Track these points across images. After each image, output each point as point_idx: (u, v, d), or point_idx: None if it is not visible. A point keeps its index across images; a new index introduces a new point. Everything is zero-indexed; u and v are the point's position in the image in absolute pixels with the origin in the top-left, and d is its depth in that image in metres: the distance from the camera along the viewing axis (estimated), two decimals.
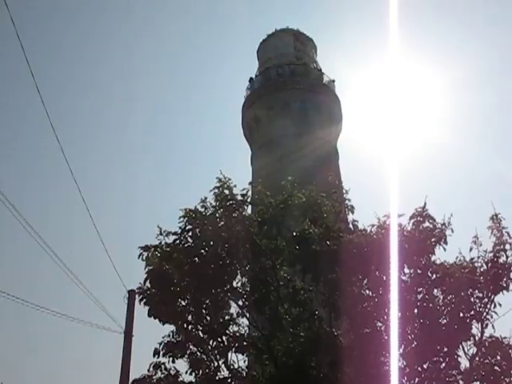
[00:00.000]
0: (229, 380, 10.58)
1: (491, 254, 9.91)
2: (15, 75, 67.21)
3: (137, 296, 11.22)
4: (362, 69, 64.27)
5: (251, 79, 35.06)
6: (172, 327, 10.87)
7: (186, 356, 10.79)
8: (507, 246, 9.84)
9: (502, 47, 65.34)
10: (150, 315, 10.67)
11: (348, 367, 9.50)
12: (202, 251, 10.24)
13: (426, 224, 9.92)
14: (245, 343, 10.63)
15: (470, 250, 10.07)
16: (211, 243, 10.10)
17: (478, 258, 10.02)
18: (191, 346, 10.85)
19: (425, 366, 9.50)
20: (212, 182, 10.64)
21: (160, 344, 10.74)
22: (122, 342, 16.10)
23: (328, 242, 9.82)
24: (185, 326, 10.85)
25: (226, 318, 10.92)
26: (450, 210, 10.19)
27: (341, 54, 69.05)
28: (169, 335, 10.88)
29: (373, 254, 9.55)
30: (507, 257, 9.77)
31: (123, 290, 16.30)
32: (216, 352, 10.83)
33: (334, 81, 35.03)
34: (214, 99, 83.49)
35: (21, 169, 70.22)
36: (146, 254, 10.38)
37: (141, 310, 11.23)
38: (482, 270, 9.92)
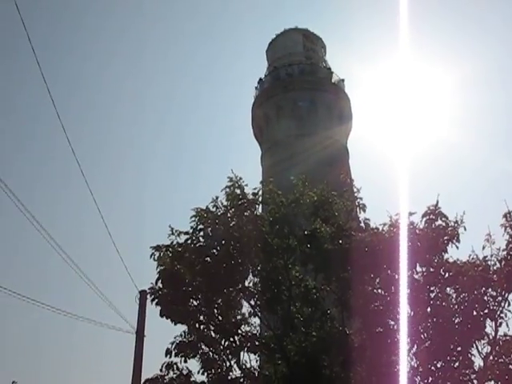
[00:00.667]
0: (241, 380, 10.57)
1: (504, 252, 9.83)
2: (25, 73, 67.49)
3: (148, 296, 11.22)
4: (371, 67, 63.74)
5: (260, 80, 35.06)
6: (184, 327, 10.88)
7: (198, 356, 10.79)
8: None
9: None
10: (161, 315, 10.68)
11: (360, 366, 9.47)
12: (214, 251, 10.23)
13: (439, 222, 9.86)
14: (257, 343, 10.61)
15: (483, 248, 10.00)
16: (223, 242, 10.08)
17: (491, 256, 9.95)
18: (203, 346, 10.85)
19: (438, 365, 9.43)
20: (222, 182, 10.63)
21: (172, 344, 10.75)
22: (133, 342, 16.17)
23: (340, 241, 9.77)
24: (197, 325, 10.85)
25: (238, 317, 10.91)
26: (461, 208, 10.13)
27: (350, 52, 68.70)
28: (181, 335, 10.89)
29: (385, 253, 9.50)
30: None
31: (135, 291, 16.35)
32: (228, 352, 10.82)
33: (343, 80, 34.95)
34: (224, 98, 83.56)
35: (31, 168, 70.68)
36: (157, 253, 10.39)
37: (152, 310, 11.26)
38: (495, 268, 9.84)
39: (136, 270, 16.21)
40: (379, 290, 10.08)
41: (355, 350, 9.46)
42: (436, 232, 9.74)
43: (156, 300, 10.70)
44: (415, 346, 9.41)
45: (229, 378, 10.70)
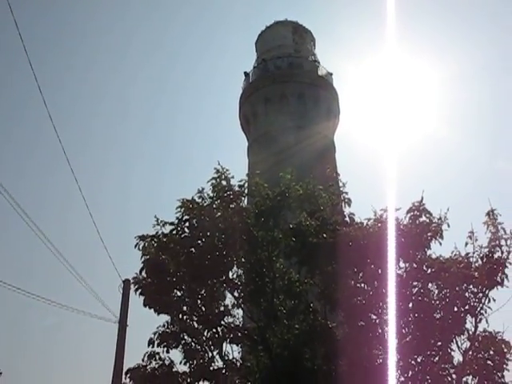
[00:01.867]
0: (223, 371, 10.61)
1: (486, 250, 9.94)
2: (14, 65, 66.77)
3: (132, 286, 11.20)
4: (359, 62, 64.29)
5: (246, 73, 34.86)
6: (166, 317, 10.89)
7: (181, 346, 10.81)
8: (502, 242, 9.87)
9: (500, 43, 65.43)
10: (145, 305, 10.67)
11: (342, 360, 9.54)
12: (199, 242, 10.23)
13: (423, 218, 9.94)
14: (239, 334, 10.65)
15: (466, 244, 10.09)
16: (208, 234, 10.08)
17: (474, 253, 10.06)
18: (186, 337, 10.87)
19: (418, 360, 9.54)
20: (208, 174, 10.62)
21: (154, 334, 10.77)
22: (116, 332, 16.17)
23: (325, 235, 9.80)
24: (180, 316, 10.86)
25: (221, 309, 10.93)
26: (446, 204, 10.23)
27: (338, 47, 68.95)
28: (163, 325, 10.90)
29: (369, 248, 9.56)
30: (502, 252, 9.79)
31: (118, 280, 16.34)
32: (210, 343, 10.86)
33: (331, 74, 34.95)
34: (211, 91, 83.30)
35: (18, 159, 70.02)
36: (142, 243, 10.37)
37: (135, 300, 11.25)
38: (477, 265, 9.95)
39: (120, 259, 16.20)
40: (362, 285, 10.15)
41: (337, 343, 9.52)
42: (420, 228, 9.82)
43: (140, 290, 10.69)
44: (397, 341, 9.48)
45: (211, 368, 10.75)
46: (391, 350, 9.23)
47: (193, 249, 10.16)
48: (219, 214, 10.25)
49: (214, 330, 10.69)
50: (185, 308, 10.83)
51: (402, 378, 9.43)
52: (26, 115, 71.05)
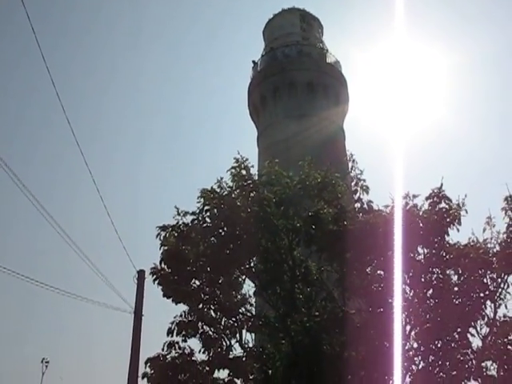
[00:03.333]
0: (243, 358, 10.67)
1: (505, 235, 9.93)
2: (21, 41, 66.68)
3: (150, 276, 11.26)
4: (367, 49, 63.91)
5: (254, 62, 34.73)
6: (183, 307, 10.94)
7: (198, 335, 10.87)
8: None
9: (509, 31, 64.71)
10: (164, 295, 10.73)
11: (361, 346, 9.58)
12: (220, 231, 10.26)
13: (443, 204, 9.92)
14: (259, 323, 10.70)
15: (484, 230, 10.12)
16: (229, 223, 10.09)
17: (491, 239, 10.06)
18: (204, 326, 10.93)
19: (439, 345, 9.56)
20: (218, 163, 10.66)
21: (172, 323, 10.82)
22: (132, 322, 16.24)
23: (345, 222, 9.80)
24: (198, 305, 10.91)
25: (239, 297, 10.98)
26: (455, 190, 10.22)
27: (347, 34, 68.43)
28: (181, 315, 10.95)
29: (386, 234, 9.55)
30: None
31: (133, 271, 16.40)
32: (228, 331, 10.92)
33: (339, 61, 34.79)
34: (220, 78, 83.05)
35: (27, 141, 70.17)
36: (163, 233, 10.41)
37: (151, 291, 11.29)
38: (495, 250, 9.95)
39: (133, 250, 16.25)
40: (381, 271, 10.16)
41: (357, 330, 9.56)
42: (439, 214, 9.81)
43: (158, 280, 10.75)
44: (417, 328, 9.52)
45: (230, 356, 10.82)
46: (397, 337, 9.22)
47: (213, 238, 10.20)
48: (239, 203, 10.27)
49: (233, 319, 10.74)
50: (203, 297, 10.88)
51: (423, 364, 9.47)
52: (35, 93, 71.20)
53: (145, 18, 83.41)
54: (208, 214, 10.33)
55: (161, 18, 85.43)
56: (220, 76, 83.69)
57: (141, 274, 16.78)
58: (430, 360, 9.51)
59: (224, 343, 10.97)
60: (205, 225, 10.36)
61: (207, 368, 10.82)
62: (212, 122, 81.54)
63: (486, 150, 60.04)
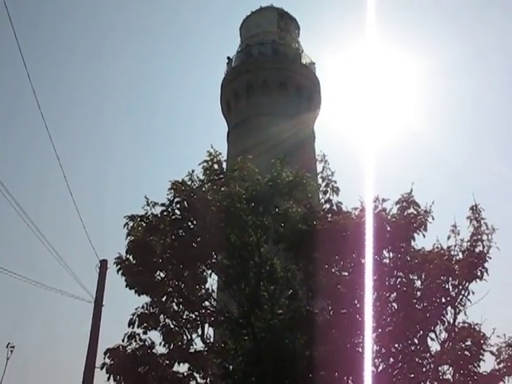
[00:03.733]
0: (204, 353, 10.64)
1: (468, 244, 10.14)
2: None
3: (114, 266, 11.11)
4: (340, 53, 64.23)
5: (228, 59, 34.65)
6: (147, 299, 10.84)
7: (159, 328, 10.80)
8: (484, 237, 10.08)
9: (478, 36, 66.17)
10: (127, 285, 10.61)
11: (323, 345, 9.64)
12: (190, 224, 10.18)
13: (411, 210, 10.06)
14: (222, 318, 10.68)
15: (448, 238, 10.30)
16: (199, 216, 10.02)
17: (455, 246, 10.26)
18: (166, 319, 10.86)
19: (399, 349, 9.70)
20: (189, 157, 10.62)
21: (133, 315, 10.72)
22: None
23: (314, 222, 9.85)
24: (161, 298, 10.83)
25: (203, 291, 10.94)
26: (424, 196, 10.39)
27: (320, 37, 69.00)
28: (142, 307, 10.85)
29: (355, 237, 9.64)
30: (483, 247, 10.00)
31: (95, 260, 16.21)
32: (190, 325, 10.87)
33: (314, 63, 34.95)
34: (194, 75, 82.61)
35: None
36: (131, 223, 10.28)
37: (116, 281, 11.17)
38: (458, 258, 10.15)
39: (101, 241, 16.07)
40: (346, 273, 10.25)
41: (319, 329, 9.62)
42: (406, 220, 9.96)
43: (121, 270, 10.62)
44: (379, 330, 9.63)
45: (190, 350, 10.78)
46: (367, 338, 9.36)
47: (182, 231, 10.11)
48: (210, 197, 10.21)
49: (196, 313, 10.69)
50: (167, 290, 10.79)
51: (382, 366, 9.60)
52: (5, 81, 69.51)
53: (120, 12, 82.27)
54: (178, 206, 10.23)
55: (136, 14, 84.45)
56: (195, 71, 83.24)
57: (103, 264, 16.61)
58: (390, 362, 9.64)
59: (185, 337, 10.92)
60: (174, 217, 10.26)
61: (167, 361, 10.74)
62: (185, 117, 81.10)
63: (456, 156, 61.37)
